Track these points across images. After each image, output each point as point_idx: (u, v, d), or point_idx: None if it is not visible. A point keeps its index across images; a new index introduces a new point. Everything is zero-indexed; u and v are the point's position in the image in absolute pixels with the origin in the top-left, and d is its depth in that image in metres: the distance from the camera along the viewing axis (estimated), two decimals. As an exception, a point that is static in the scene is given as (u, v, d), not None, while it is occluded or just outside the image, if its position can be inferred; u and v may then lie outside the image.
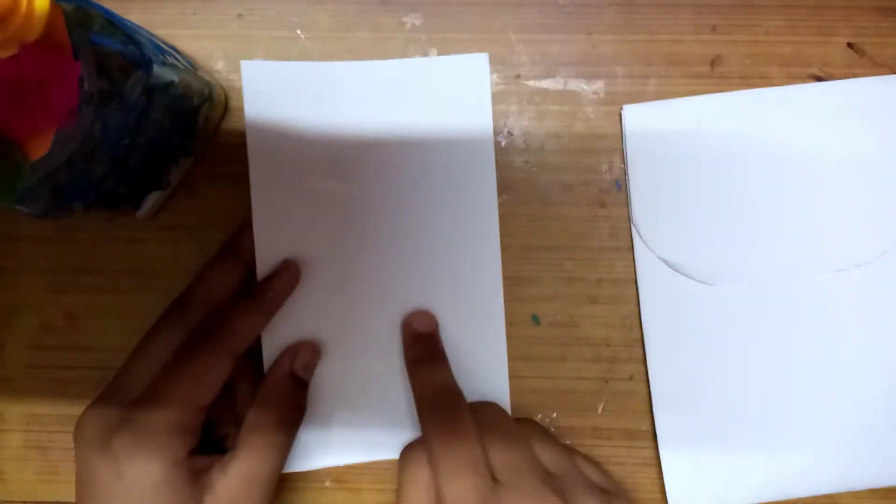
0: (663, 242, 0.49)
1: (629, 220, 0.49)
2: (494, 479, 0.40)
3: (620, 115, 0.50)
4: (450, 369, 0.47)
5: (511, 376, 0.49)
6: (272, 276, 0.48)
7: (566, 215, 0.50)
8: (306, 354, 0.48)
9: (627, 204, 0.49)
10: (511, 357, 0.49)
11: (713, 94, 0.49)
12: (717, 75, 0.50)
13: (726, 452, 0.48)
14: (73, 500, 0.50)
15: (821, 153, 0.49)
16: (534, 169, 0.50)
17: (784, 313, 0.48)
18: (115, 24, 0.39)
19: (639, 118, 0.49)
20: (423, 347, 0.48)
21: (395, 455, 0.47)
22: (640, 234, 0.49)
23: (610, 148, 0.50)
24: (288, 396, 0.47)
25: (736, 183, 0.49)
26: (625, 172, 0.50)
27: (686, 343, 0.48)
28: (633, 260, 0.49)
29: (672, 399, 0.48)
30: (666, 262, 0.49)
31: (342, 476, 0.49)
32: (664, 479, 0.48)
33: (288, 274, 0.48)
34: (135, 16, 0.49)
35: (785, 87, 0.49)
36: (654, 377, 0.48)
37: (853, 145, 0.49)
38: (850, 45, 0.50)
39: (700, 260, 0.48)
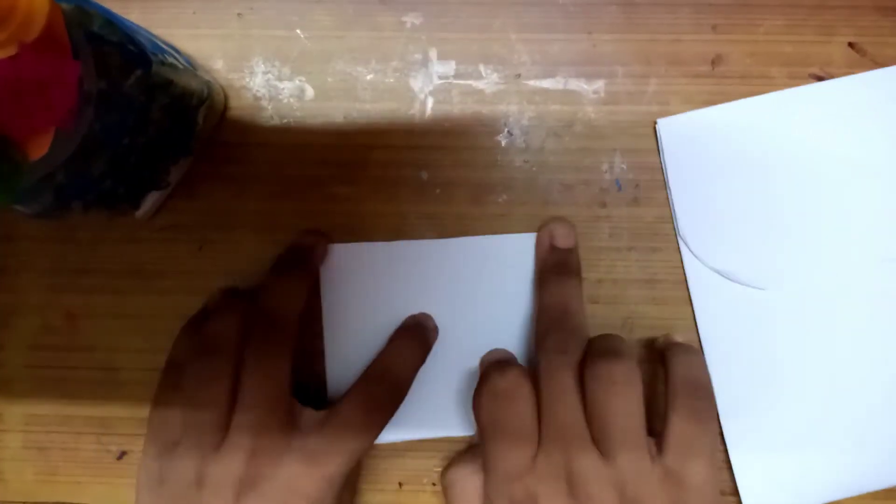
0: (712, 252, 0.48)
1: (675, 232, 0.49)
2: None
3: (655, 129, 0.49)
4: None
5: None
6: None
7: (566, 215, 0.49)
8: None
9: (672, 221, 0.49)
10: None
11: (745, 99, 0.49)
12: (717, 75, 0.50)
13: (795, 451, 0.48)
14: (71, 500, 0.50)
15: (859, 145, 0.49)
16: (534, 169, 0.50)
17: (838, 310, 0.48)
18: (114, 24, 0.39)
19: (673, 131, 0.49)
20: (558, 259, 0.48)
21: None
22: (688, 247, 0.49)
23: (610, 148, 0.50)
24: (407, 355, 0.47)
25: (776, 185, 0.49)
26: (666, 187, 0.49)
27: (745, 348, 0.48)
28: (683, 271, 0.49)
29: (737, 403, 0.48)
30: (717, 271, 0.48)
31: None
32: (736, 481, 0.48)
33: None
34: (134, 15, 0.49)
35: (819, 83, 0.49)
36: (718, 384, 0.48)
37: (891, 137, 0.49)
38: (850, 44, 0.50)
39: (750, 266, 0.48)
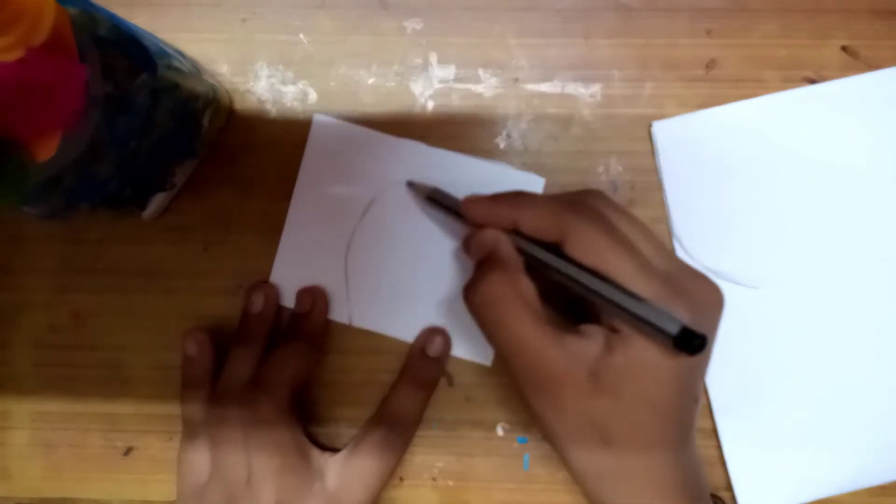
0: (707, 252, 0.49)
1: (669, 233, 0.50)
2: None
3: (650, 131, 0.50)
4: None
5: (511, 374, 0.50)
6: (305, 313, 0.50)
7: (564, 216, 0.50)
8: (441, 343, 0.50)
9: (667, 221, 0.50)
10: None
11: (739, 102, 0.50)
12: (712, 79, 0.50)
13: (790, 448, 0.48)
14: (78, 496, 0.50)
15: (851, 147, 0.49)
16: (532, 170, 0.50)
17: (832, 309, 0.49)
18: (120, 28, 0.39)
19: (668, 133, 0.50)
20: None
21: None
22: (683, 247, 0.49)
23: (606, 150, 0.50)
24: (415, 399, 0.49)
25: (770, 187, 0.49)
26: (661, 188, 0.50)
27: (739, 347, 0.49)
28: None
29: (731, 402, 0.48)
30: (711, 270, 0.49)
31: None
32: (731, 478, 0.48)
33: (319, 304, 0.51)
34: (140, 20, 0.50)
35: (812, 86, 0.50)
36: (712, 383, 0.49)
37: (885, 139, 0.49)
38: (844, 48, 0.50)
39: (744, 266, 0.49)
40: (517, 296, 0.39)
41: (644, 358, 0.36)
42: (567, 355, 0.37)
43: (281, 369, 0.47)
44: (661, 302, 0.35)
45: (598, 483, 0.39)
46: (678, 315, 0.34)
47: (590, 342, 0.38)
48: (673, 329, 0.33)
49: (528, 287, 0.39)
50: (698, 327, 0.33)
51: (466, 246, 0.44)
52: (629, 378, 0.37)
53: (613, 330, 0.37)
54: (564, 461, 0.40)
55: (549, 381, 0.38)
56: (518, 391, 0.40)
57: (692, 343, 0.33)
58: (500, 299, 0.39)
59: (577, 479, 0.40)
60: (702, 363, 0.40)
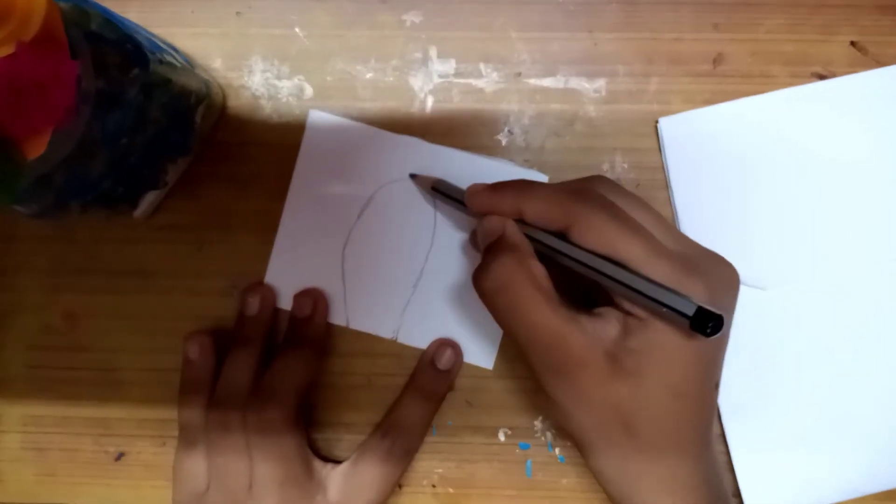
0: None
1: None
2: None
3: (656, 128, 0.49)
4: None
5: (513, 377, 0.49)
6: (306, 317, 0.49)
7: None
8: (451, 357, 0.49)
9: (673, 220, 0.49)
10: (513, 358, 0.49)
11: (746, 98, 0.49)
12: (719, 74, 0.49)
13: (797, 453, 0.48)
14: (70, 501, 0.50)
15: (859, 144, 0.49)
16: (534, 168, 0.49)
17: (841, 310, 0.48)
18: (112, 23, 0.39)
19: (675, 130, 0.49)
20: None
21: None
22: None
23: (611, 147, 0.49)
24: (422, 411, 0.49)
25: (779, 185, 0.49)
26: (667, 186, 0.49)
27: (746, 349, 0.48)
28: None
29: (739, 406, 0.48)
30: None
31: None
32: (738, 481, 0.48)
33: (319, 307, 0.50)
34: (133, 14, 0.49)
35: (820, 82, 0.49)
36: (720, 384, 0.48)
37: (894, 136, 0.49)
38: (852, 43, 0.50)
39: (752, 265, 0.48)
40: (530, 278, 0.37)
41: (663, 341, 0.35)
42: (585, 336, 0.36)
43: (288, 377, 0.46)
44: (676, 282, 0.34)
45: (621, 480, 0.38)
46: (694, 295, 0.34)
47: (606, 324, 0.37)
48: (688, 310, 0.32)
49: (539, 270, 0.38)
50: (715, 307, 0.32)
51: (474, 239, 0.42)
52: (649, 362, 0.36)
53: (629, 314, 0.37)
54: (587, 458, 0.39)
55: (568, 363, 0.36)
56: (536, 381, 0.39)
57: (709, 324, 0.32)
58: (512, 282, 0.38)
59: (599, 478, 0.39)
60: (722, 344, 0.39)
